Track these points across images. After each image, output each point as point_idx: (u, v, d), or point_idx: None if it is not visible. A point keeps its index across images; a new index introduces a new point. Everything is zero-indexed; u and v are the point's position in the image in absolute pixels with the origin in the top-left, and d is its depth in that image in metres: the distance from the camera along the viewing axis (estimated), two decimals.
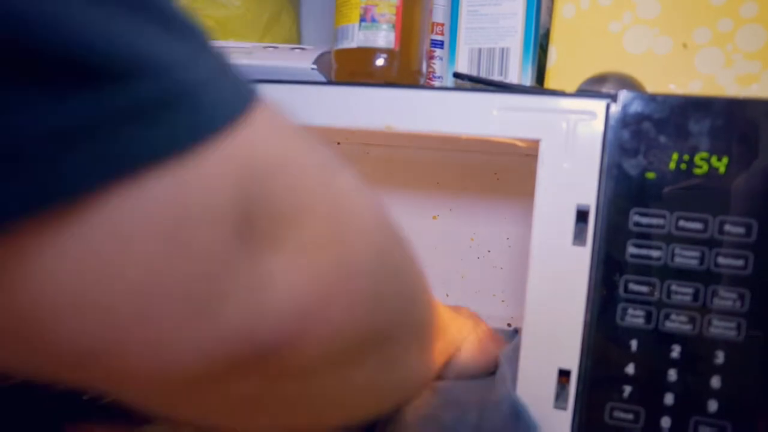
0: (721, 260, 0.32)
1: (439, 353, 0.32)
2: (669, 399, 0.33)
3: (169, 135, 0.14)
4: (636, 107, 0.33)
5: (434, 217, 0.73)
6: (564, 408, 0.36)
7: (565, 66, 0.48)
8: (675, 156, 0.33)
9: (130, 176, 0.13)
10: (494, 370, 0.39)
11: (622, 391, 0.34)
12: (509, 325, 0.63)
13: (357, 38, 0.45)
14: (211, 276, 0.15)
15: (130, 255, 0.13)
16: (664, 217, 0.33)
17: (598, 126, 0.34)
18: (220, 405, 0.18)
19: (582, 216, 0.35)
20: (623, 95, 0.34)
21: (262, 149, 0.17)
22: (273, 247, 0.16)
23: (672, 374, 0.33)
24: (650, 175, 0.33)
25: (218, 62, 0.17)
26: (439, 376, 0.36)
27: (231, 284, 0.15)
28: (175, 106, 0.14)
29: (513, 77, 0.49)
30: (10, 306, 0.13)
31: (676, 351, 0.33)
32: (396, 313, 0.22)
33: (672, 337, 0.33)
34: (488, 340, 0.38)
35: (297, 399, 0.19)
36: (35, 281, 0.13)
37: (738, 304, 0.32)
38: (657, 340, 0.34)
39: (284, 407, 0.20)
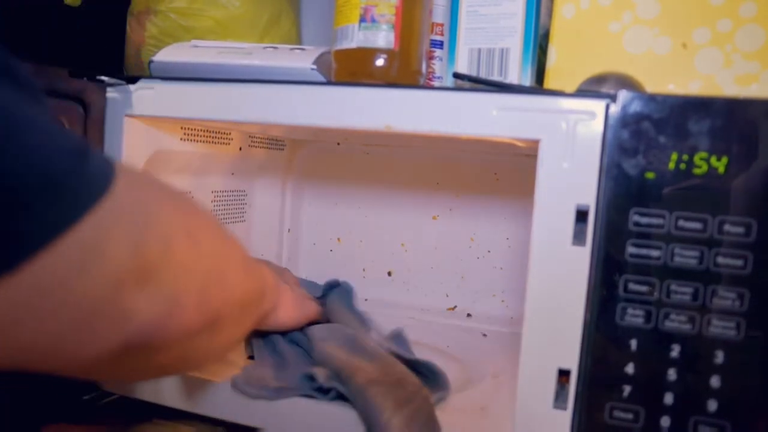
0: (720, 260, 0.32)
1: (257, 317, 0.42)
2: (669, 398, 0.33)
3: (61, 217, 0.22)
4: (635, 107, 0.33)
5: (434, 217, 0.73)
6: (564, 408, 0.36)
7: (565, 66, 0.48)
8: (674, 156, 0.33)
9: (43, 249, 0.21)
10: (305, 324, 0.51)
11: (621, 391, 0.34)
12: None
13: (357, 38, 0.45)
14: (96, 310, 0.24)
15: (48, 300, 0.22)
16: (663, 217, 0.33)
17: (598, 126, 0.34)
18: (126, 369, 0.30)
19: (582, 216, 0.35)
20: (623, 95, 0.34)
21: (127, 219, 0.25)
22: (137, 289, 0.26)
23: (672, 374, 0.33)
24: (650, 175, 0.33)
25: (84, 153, 0.23)
26: (258, 330, 0.48)
27: (110, 312, 0.25)
28: (64, 200, 0.22)
29: (513, 77, 0.49)
30: None
31: (675, 351, 0.33)
32: (224, 305, 0.32)
33: (672, 337, 0.33)
34: (298, 305, 0.50)
35: (170, 360, 0.31)
36: None
37: (737, 303, 0.32)
38: (657, 339, 0.34)
39: (162, 369, 0.34)
